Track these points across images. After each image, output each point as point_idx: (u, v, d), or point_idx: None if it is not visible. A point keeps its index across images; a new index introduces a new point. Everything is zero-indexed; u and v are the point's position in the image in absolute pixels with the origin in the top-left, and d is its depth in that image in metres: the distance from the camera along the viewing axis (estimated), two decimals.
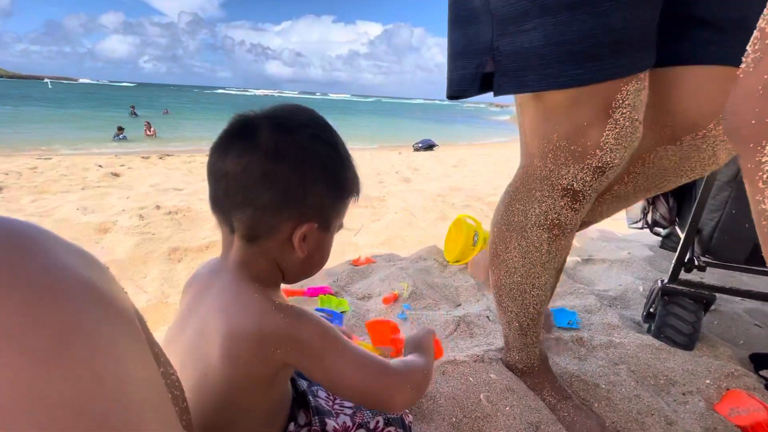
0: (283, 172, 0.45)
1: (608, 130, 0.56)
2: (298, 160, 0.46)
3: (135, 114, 15.12)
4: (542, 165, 0.63)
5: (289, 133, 0.46)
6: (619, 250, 1.68)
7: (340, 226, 0.54)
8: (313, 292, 1.22)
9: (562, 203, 0.64)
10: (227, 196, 0.47)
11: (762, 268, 0.89)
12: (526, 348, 0.79)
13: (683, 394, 0.85)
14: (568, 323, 1.10)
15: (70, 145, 7.74)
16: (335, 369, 0.47)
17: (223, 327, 0.46)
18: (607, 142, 0.57)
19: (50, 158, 5.00)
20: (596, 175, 0.60)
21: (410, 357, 0.58)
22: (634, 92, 0.55)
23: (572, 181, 0.61)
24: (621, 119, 0.56)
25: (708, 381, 0.86)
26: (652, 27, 0.54)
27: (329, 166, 0.48)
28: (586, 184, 0.61)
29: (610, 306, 1.22)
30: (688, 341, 0.95)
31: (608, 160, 0.58)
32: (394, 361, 0.54)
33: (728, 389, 0.84)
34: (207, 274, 0.54)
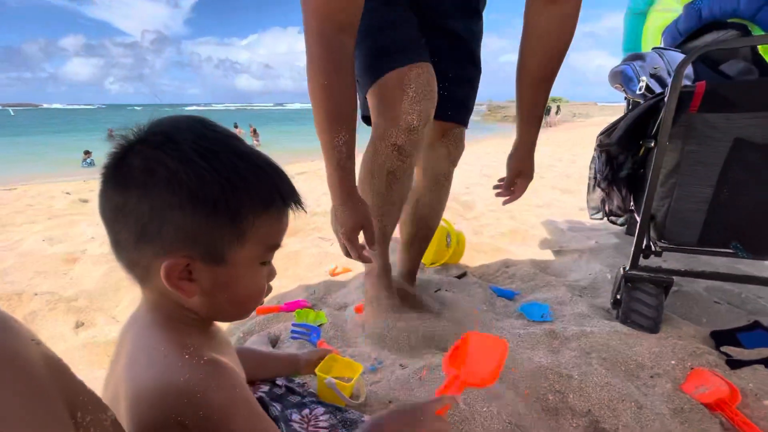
0: (132, 203, 0.39)
1: (404, 100, 0.87)
2: (143, 185, 0.38)
3: (112, 136, 14.55)
4: (379, 130, 0.93)
5: (137, 155, 0.39)
6: (587, 239, 1.73)
7: (264, 252, 0.45)
8: (289, 307, 1.21)
9: (393, 156, 0.92)
10: (109, 239, 0.42)
11: (713, 249, 0.94)
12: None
13: (651, 377, 0.88)
14: (542, 316, 1.12)
15: (36, 174, 7.47)
16: None
17: (130, 388, 0.40)
18: (405, 108, 0.88)
19: (15, 188, 4.80)
20: (408, 133, 0.89)
21: None
22: (415, 75, 0.88)
23: (395, 139, 0.90)
24: (410, 92, 0.87)
25: (673, 362, 0.90)
26: (415, 39, 0.92)
27: (183, 185, 0.38)
28: (404, 140, 0.90)
29: (580, 296, 1.26)
30: (652, 324, 0.99)
31: (410, 120, 0.88)
32: None
33: (692, 368, 0.88)
34: (128, 321, 0.48)
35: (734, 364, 0.88)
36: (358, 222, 0.85)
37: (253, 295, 0.46)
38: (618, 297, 1.07)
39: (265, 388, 0.71)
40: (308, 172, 5.93)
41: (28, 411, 0.24)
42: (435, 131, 1.09)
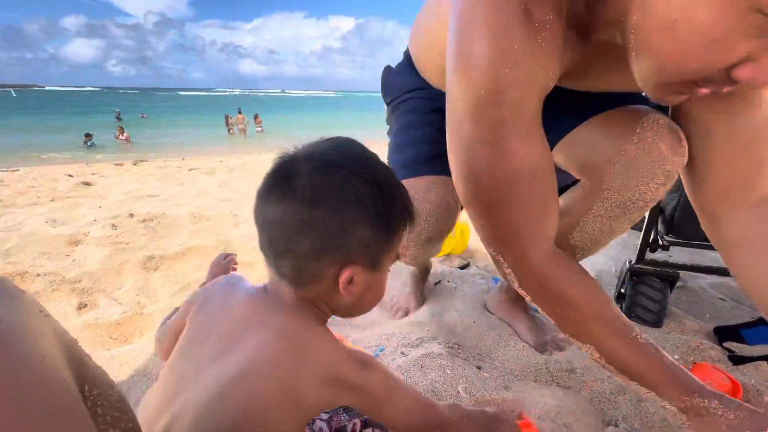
0: (320, 218, 0.44)
1: (424, 211, 0.82)
2: (334, 204, 0.44)
3: (119, 119, 14.44)
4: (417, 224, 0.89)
5: (326, 175, 0.44)
6: None
7: (395, 258, 0.53)
8: None
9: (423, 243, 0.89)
10: (270, 244, 0.46)
11: None
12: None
13: None
14: None
15: (38, 156, 7.46)
16: (392, 415, 0.50)
17: (289, 370, 0.45)
18: (424, 219, 0.83)
19: (17, 170, 4.80)
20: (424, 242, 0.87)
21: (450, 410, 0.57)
22: (425, 188, 0.83)
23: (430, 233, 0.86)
24: (428, 205, 0.82)
25: (676, 356, 0.90)
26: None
27: (370, 205, 0.45)
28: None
29: None
30: (656, 319, 0.99)
31: (425, 227, 0.84)
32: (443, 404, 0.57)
33: (695, 363, 0.87)
34: (245, 303, 0.51)
35: (737, 360, 0.87)
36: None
37: (382, 295, 0.54)
38: (622, 291, 1.06)
39: None
40: None
41: (39, 383, 0.24)
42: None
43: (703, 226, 0.66)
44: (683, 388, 0.55)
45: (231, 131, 12.44)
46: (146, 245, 1.76)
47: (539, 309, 0.60)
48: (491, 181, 0.52)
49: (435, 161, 0.84)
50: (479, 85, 0.49)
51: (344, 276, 0.46)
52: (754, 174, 0.59)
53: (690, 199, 0.67)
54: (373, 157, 0.49)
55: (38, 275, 1.38)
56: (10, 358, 0.24)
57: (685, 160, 0.64)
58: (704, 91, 0.45)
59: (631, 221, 0.73)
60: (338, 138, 0.50)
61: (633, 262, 1.01)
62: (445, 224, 0.86)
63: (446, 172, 0.64)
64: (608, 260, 1.43)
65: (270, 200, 0.45)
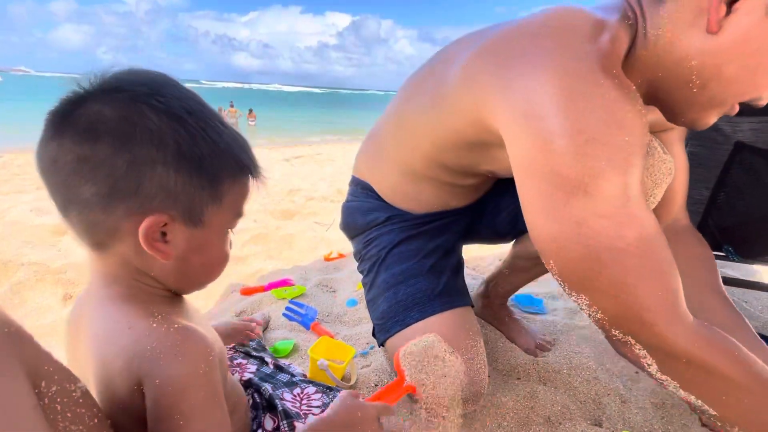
0: (102, 156, 0.35)
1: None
2: (119, 138, 0.36)
3: None
4: None
5: (109, 104, 0.36)
6: None
7: (235, 217, 0.44)
8: (272, 286, 1.20)
9: None
10: (52, 196, 0.38)
11: None
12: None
13: (636, 372, 0.90)
14: (536, 309, 1.14)
15: (24, 142, 7.28)
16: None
17: (96, 363, 0.39)
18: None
19: (1, 156, 4.69)
20: None
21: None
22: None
23: None
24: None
25: None
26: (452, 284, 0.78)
27: (170, 142, 0.37)
28: None
29: None
30: None
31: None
32: None
33: None
34: (79, 301, 0.45)
35: None
36: None
37: (221, 261, 0.45)
38: None
39: (253, 368, 0.71)
40: (305, 156, 5.89)
41: None
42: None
43: None
44: None
45: None
46: None
47: (677, 387, 0.51)
48: (615, 255, 0.46)
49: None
50: (601, 157, 0.45)
51: (143, 228, 0.37)
52: (671, 200, 0.75)
53: None
54: (177, 85, 0.40)
55: (22, 264, 1.35)
56: None
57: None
58: (737, 107, 0.53)
59: None
60: (138, 69, 0.40)
61: None
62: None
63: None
64: None
65: (46, 138, 0.37)
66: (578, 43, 0.47)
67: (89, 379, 0.40)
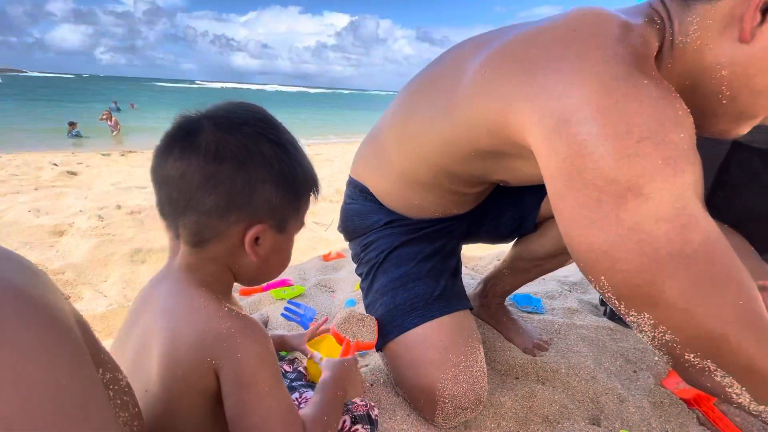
0: (226, 174, 0.44)
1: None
2: (240, 160, 0.44)
3: (118, 109, 13.90)
4: None
5: (230, 133, 0.45)
6: None
7: (301, 226, 0.53)
8: (270, 287, 1.20)
9: None
10: (170, 202, 0.45)
11: None
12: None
13: (635, 371, 0.90)
14: (533, 308, 1.14)
15: (22, 143, 7.26)
16: (250, 405, 0.42)
17: (165, 334, 0.44)
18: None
19: None
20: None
21: (315, 399, 0.54)
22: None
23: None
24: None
25: (656, 358, 0.92)
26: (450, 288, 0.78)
27: (275, 165, 0.46)
28: None
29: (570, 291, 1.27)
30: None
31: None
32: (304, 412, 0.50)
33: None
34: (151, 283, 0.51)
35: None
36: None
37: (288, 260, 0.54)
38: None
39: None
40: None
41: (70, 357, 0.25)
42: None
43: None
44: None
45: None
46: (134, 237, 1.73)
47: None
48: (682, 262, 0.40)
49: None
50: (657, 156, 0.41)
51: (250, 234, 0.46)
52: None
53: None
54: (276, 120, 0.49)
55: None
56: (60, 330, 0.25)
57: None
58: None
59: None
60: (239, 102, 0.49)
61: None
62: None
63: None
64: None
65: (171, 157, 0.44)
66: (610, 46, 0.44)
67: (152, 349, 0.44)
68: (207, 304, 0.45)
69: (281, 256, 0.52)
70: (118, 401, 0.32)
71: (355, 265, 0.90)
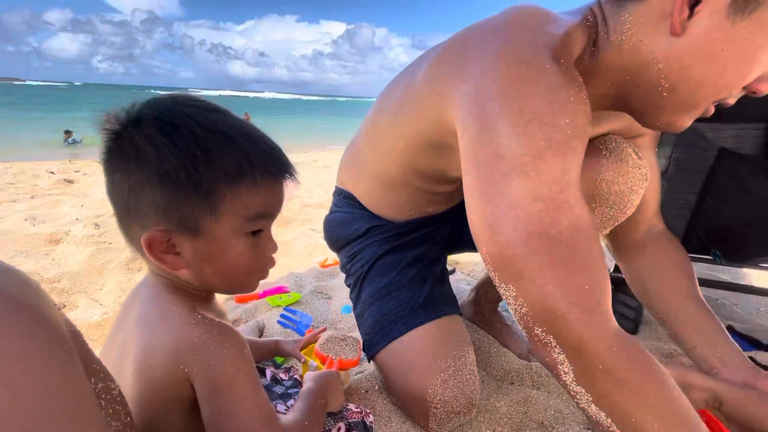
0: (117, 184, 0.42)
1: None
2: (123, 165, 0.41)
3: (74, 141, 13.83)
4: None
5: (118, 138, 0.42)
6: None
7: (252, 219, 0.44)
8: (267, 294, 1.21)
9: None
10: None
11: (693, 255, 0.97)
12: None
13: None
14: None
15: (19, 151, 7.25)
16: (228, 411, 0.41)
17: (140, 341, 0.43)
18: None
19: None
20: None
21: (297, 405, 0.54)
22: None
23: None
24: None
25: None
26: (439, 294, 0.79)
27: (152, 162, 0.40)
28: None
29: None
30: (632, 326, 1.02)
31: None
32: (286, 417, 0.50)
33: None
34: (135, 288, 0.51)
35: None
36: None
37: (241, 267, 0.46)
38: None
39: None
40: (301, 163, 5.89)
41: (62, 366, 0.25)
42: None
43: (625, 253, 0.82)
44: None
45: None
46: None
47: (589, 401, 0.45)
48: (546, 243, 0.43)
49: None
50: (541, 136, 0.44)
51: (144, 243, 0.41)
52: (646, 205, 0.79)
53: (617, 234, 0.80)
54: (192, 107, 0.43)
55: None
56: (52, 339, 0.25)
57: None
58: (712, 109, 0.53)
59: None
60: (166, 95, 0.44)
61: (611, 270, 1.04)
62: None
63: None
64: None
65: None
66: (527, 33, 0.48)
67: (128, 358, 0.43)
68: (180, 311, 0.44)
69: (219, 263, 0.44)
70: (110, 410, 0.33)
71: None
